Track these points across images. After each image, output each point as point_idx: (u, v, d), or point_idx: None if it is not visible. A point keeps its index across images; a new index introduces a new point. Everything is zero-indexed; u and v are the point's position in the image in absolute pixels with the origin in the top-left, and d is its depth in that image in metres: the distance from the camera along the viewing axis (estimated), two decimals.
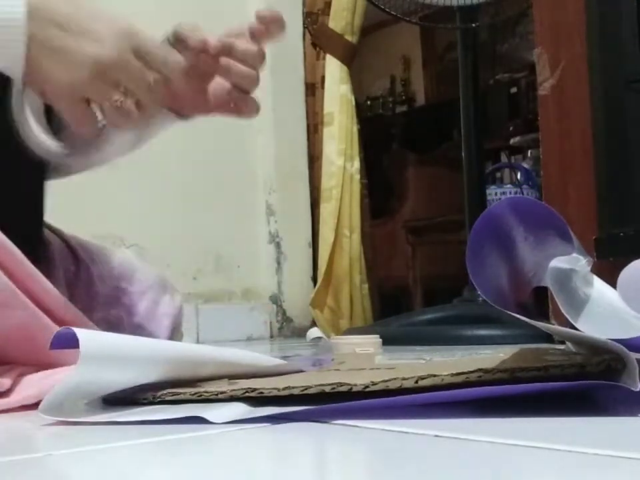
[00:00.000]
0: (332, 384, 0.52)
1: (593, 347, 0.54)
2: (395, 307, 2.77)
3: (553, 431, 0.45)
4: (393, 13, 1.90)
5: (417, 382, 0.50)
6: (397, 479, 0.34)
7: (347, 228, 2.36)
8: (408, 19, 2.23)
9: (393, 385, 0.50)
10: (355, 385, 0.51)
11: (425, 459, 0.38)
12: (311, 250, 2.45)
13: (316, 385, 0.52)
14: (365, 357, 1.07)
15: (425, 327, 1.63)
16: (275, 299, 2.38)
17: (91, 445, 0.45)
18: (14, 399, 0.59)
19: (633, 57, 1.24)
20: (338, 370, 0.72)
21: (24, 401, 0.59)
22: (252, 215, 2.37)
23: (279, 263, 2.39)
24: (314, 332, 1.38)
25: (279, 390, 0.52)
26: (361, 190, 2.42)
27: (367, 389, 0.51)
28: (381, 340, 1.34)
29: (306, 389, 0.52)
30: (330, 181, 2.37)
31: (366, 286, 2.41)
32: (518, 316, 0.57)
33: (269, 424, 0.48)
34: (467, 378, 0.49)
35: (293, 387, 0.52)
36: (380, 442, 0.44)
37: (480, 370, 0.49)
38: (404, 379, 0.50)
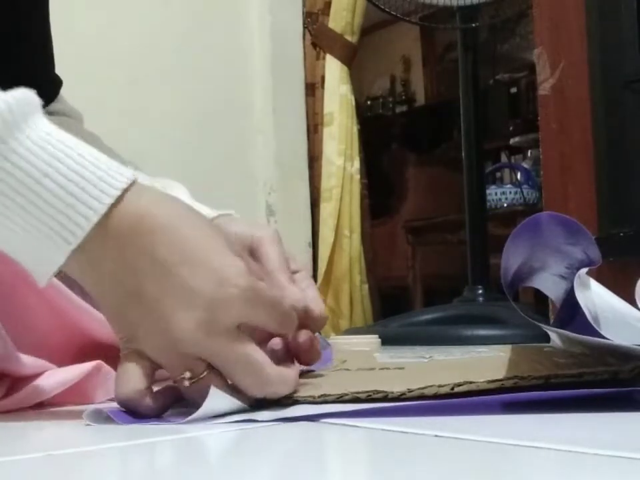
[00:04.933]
0: (368, 391, 0.52)
1: (610, 352, 0.54)
2: (395, 306, 2.77)
3: (553, 431, 0.45)
4: (393, 13, 1.90)
5: (452, 389, 0.51)
6: (396, 479, 0.34)
7: (347, 228, 2.36)
8: (408, 19, 2.23)
9: (429, 392, 0.51)
10: (392, 393, 0.52)
11: (425, 459, 0.38)
12: (311, 250, 2.45)
13: (352, 393, 0.52)
14: (364, 355, 1.07)
15: (425, 327, 1.63)
16: None
17: (91, 445, 0.45)
18: (9, 401, 0.58)
19: (633, 57, 1.24)
20: (347, 370, 0.73)
21: (21, 403, 0.59)
22: (252, 215, 2.37)
23: None
24: None
25: (314, 398, 0.53)
26: (361, 190, 2.42)
27: (403, 397, 0.52)
28: (379, 340, 1.34)
29: (341, 397, 0.53)
30: (330, 180, 2.37)
31: (366, 286, 2.41)
32: (545, 326, 0.58)
33: (267, 424, 0.48)
34: (503, 384, 0.51)
35: (328, 395, 0.53)
36: (380, 442, 0.44)
37: (515, 377, 0.51)
38: (440, 386, 0.51)
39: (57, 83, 0.91)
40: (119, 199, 0.48)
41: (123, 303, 0.50)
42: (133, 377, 0.50)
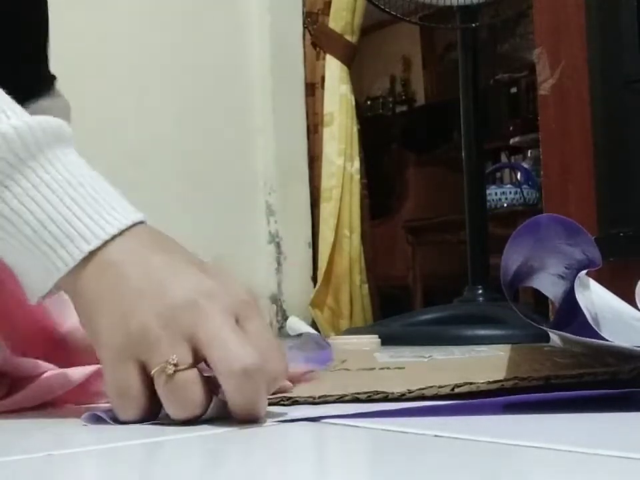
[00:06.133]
0: (368, 392, 0.53)
1: (610, 353, 0.54)
2: (395, 306, 2.77)
3: (553, 431, 0.45)
4: (393, 12, 1.90)
5: (452, 390, 0.51)
6: (396, 479, 0.34)
7: (347, 228, 2.36)
8: (408, 19, 2.23)
9: (429, 393, 0.51)
10: (392, 393, 0.52)
11: (425, 458, 0.38)
12: (310, 250, 2.45)
13: (352, 393, 0.53)
14: (364, 355, 1.07)
15: (425, 327, 1.63)
16: (275, 299, 2.38)
17: (91, 445, 0.45)
18: (10, 401, 0.58)
19: (633, 56, 1.24)
20: (347, 370, 0.73)
21: (21, 403, 0.59)
22: (252, 214, 2.37)
23: (278, 262, 2.39)
24: (294, 322, 1.35)
25: (314, 398, 0.53)
26: (361, 190, 2.42)
27: (404, 397, 0.52)
28: (379, 340, 1.34)
29: (342, 397, 0.53)
30: (330, 180, 2.37)
31: (366, 286, 2.41)
32: (544, 327, 0.58)
33: (267, 424, 0.48)
34: (503, 385, 0.51)
35: (329, 395, 0.53)
36: (380, 442, 0.44)
37: (516, 378, 0.51)
38: (440, 386, 0.51)
39: (48, 80, 0.88)
40: (99, 247, 0.51)
41: (117, 287, 0.50)
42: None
